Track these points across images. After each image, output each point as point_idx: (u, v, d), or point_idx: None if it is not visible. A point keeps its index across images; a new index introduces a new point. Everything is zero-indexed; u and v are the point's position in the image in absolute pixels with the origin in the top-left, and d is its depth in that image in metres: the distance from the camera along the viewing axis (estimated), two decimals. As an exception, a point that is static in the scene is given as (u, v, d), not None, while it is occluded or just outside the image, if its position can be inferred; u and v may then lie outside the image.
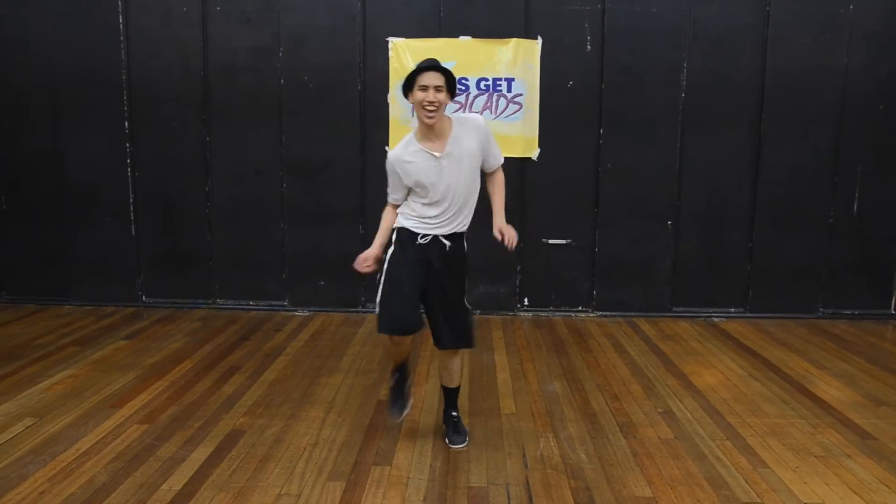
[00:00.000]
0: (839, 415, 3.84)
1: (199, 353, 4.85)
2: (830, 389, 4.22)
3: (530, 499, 2.98)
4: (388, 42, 5.59)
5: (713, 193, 5.72)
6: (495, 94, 5.57)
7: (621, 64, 5.57)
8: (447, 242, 3.23)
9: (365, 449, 3.43)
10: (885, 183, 5.64)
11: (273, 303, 5.99)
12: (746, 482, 3.12)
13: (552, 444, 3.49)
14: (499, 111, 5.59)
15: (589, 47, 5.58)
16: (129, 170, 5.88)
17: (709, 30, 5.52)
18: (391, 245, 3.31)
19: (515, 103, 5.59)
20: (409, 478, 3.14)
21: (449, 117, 3.21)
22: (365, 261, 3.28)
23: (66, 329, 5.41)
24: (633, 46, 5.55)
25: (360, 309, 5.91)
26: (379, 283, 3.27)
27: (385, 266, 3.28)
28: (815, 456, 3.36)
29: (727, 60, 5.55)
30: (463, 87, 5.56)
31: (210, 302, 6.02)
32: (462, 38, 5.53)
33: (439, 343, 3.37)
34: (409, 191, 3.26)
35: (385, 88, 5.62)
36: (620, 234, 5.76)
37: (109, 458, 3.31)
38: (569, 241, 5.80)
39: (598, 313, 5.85)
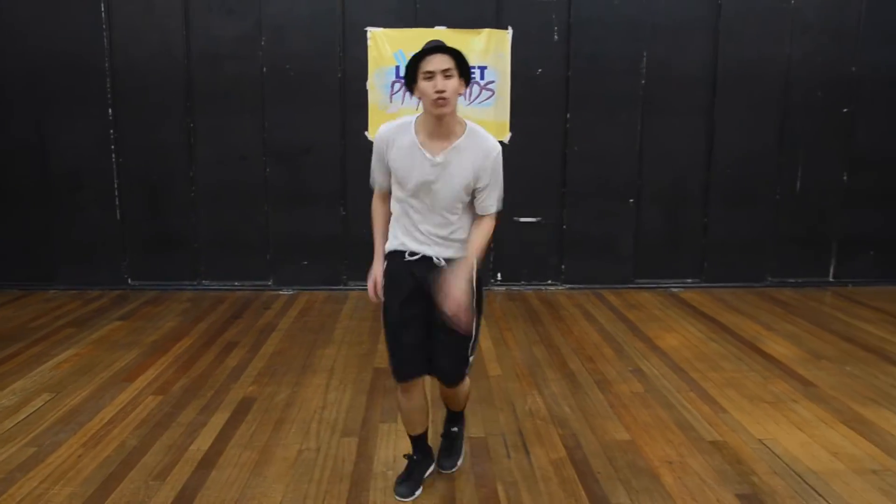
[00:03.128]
0: (786, 368, 4.35)
1: (195, 331, 5.09)
2: (778, 347, 4.74)
3: (524, 445, 3.37)
4: (366, 32, 5.85)
5: (671, 173, 6.19)
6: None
7: (586, 53, 5.96)
8: (441, 261, 2.72)
9: (370, 409, 3.77)
10: (823, 162, 6.19)
11: (258, 283, 6.24)
12: (710, 425, 3.57)
13: (538, 400, 3.89)
14: (472, 98, 5.93)
15: (556, 37, 5.94)
16: (113, 155, 6.02)
17: (665, 21, 5.94)
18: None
19: (488, 90, 5.93)
20: (415, 432, 3.48)
21: (464, 122, 2.67)
22: (374, 288, 2.82)
23: (57, 312, 5.56)
24: (597, 36, 5.94)
25: (342, 287, 6.20)
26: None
27: (382, 304, 2.83)
28: (766, 402, 3.85)
29: (682, 50, 5.99)
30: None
31: (196, 283, 6.23)
32: (437, 27, 5.83)
33: (434, 372, 2.87)
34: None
35: (364, 76, 5.89)
36: (586, 212, 6.18)
37: (134, 424, 3.57)
38: (539, 219, 6.20)
39: (567, 286, 6.28)
